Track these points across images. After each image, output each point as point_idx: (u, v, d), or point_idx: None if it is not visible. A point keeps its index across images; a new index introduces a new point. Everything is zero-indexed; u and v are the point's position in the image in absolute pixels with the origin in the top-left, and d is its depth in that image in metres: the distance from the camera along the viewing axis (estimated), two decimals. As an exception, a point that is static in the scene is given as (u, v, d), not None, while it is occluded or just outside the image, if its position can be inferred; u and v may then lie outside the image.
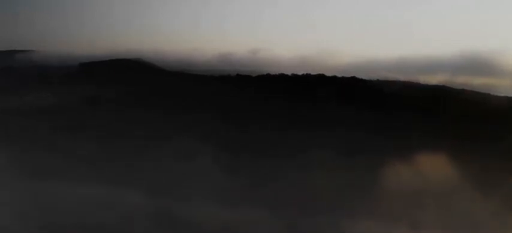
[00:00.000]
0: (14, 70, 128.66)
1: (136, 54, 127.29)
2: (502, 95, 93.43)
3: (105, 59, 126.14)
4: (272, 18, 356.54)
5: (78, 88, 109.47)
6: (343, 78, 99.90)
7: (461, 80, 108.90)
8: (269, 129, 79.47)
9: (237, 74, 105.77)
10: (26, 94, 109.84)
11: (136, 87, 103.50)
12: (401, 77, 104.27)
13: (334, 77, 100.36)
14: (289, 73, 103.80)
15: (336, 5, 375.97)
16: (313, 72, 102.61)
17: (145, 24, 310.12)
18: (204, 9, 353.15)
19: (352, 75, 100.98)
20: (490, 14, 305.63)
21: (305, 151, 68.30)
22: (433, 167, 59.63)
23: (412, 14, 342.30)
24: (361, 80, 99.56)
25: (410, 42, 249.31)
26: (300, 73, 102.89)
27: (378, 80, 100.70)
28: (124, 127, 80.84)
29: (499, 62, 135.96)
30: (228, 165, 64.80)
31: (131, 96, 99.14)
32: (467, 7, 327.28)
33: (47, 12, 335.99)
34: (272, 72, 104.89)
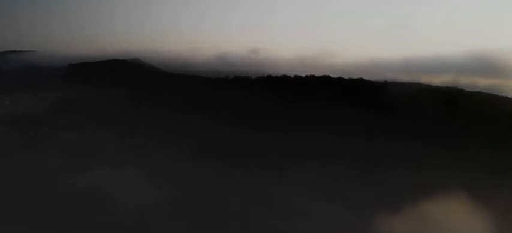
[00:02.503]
0: (12, 71, 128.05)
1: (135, 54, 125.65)
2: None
3: (104, 59, 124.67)
4: (272, 18, 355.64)
5: (77, 88, 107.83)
6: (350, 80, 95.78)
7: (471, 81, 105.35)
8: (270, 132, 75.79)
9: (235, 76, 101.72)
10: (23, 94, 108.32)
11: (135, 88, 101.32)
12: (406, 78, 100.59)
13: (340, 79, 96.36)
14: (291, 74, 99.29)
15: (337, 4, 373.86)
16: (317, 74, 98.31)
17: (145, 25, 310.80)
18: (204, 9, 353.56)
19: (357, 76, 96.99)
20: (497, 13, 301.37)
21: (304, 169, 62.24)
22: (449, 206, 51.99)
23: (414, 14, 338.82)
24: (369, 81, 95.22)
25: (412, 43, 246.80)
26: (303, 75, 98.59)
27: (385, 81, 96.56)
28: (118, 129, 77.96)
29: (507, 63, 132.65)
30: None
31: (130, 96, 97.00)
32: (474, 7, 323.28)
33: (47, 12, 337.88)
34: (273, 74, 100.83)
